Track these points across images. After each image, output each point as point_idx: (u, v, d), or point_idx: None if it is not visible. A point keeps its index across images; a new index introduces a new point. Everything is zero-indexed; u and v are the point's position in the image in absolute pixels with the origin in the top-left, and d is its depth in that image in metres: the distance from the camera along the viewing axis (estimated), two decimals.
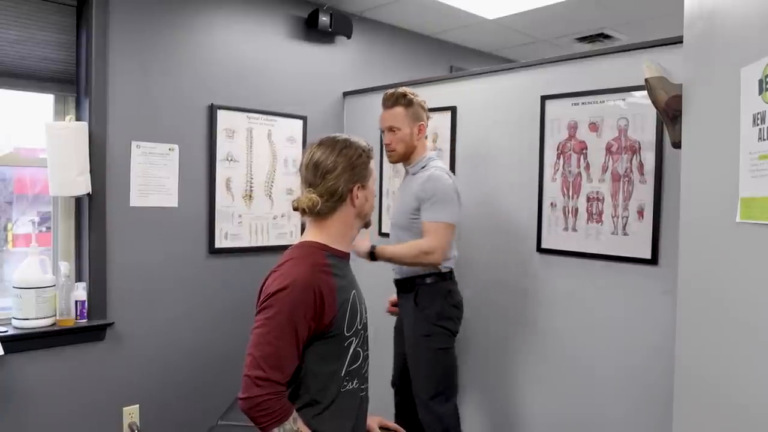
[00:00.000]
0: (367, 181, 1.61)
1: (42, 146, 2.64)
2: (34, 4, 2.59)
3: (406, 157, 2.58)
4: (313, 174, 1.57)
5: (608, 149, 2.36)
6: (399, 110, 2.53)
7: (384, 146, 2.61)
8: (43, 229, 2.81)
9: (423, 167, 2.53)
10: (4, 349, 2.40)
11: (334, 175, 1.55)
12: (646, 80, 1.72)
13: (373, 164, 1.65)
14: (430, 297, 2.47)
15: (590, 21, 3.80)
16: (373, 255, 2.42)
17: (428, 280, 2.48)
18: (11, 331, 2.49)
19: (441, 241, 2.37)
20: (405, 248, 2.43)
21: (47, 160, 2.58)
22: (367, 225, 1.70)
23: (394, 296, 2.69)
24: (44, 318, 2.56)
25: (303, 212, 1.56)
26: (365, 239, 2.42)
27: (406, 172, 2.64)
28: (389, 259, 2.45)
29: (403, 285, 2.57)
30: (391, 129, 2.54)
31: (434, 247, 2.35)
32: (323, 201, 1.55)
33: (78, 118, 2.73)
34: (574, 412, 2.45)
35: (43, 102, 2.75)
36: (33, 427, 2.55)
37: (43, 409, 2.57)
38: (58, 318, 2.61)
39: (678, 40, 1.79)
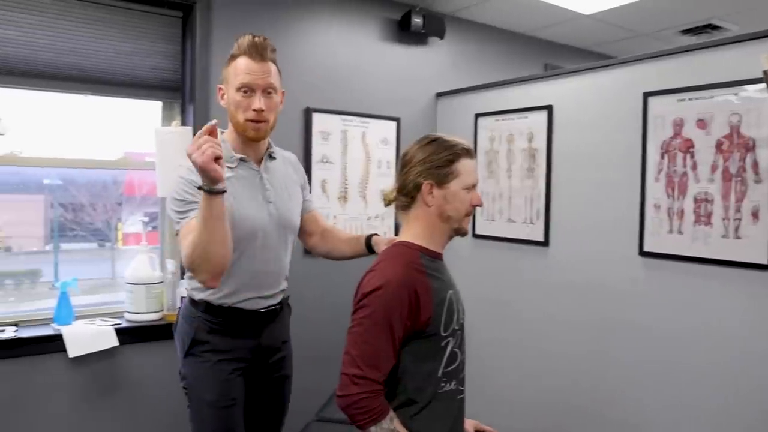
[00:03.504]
0: (447, 180, 1.53)
1: (147, 150, 2.81)
2: (144, 18, 2.76)
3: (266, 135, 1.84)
4: (400, 166, 1.61)
5: (718, 147, 2.23)
6: (273, 67, 1.77)
7: (250, 114, 1.74)
8: (149, 228, 2.98)
9: (275, 147, 2.00)
10: (119, 340, 2.57)
11: (407, 169, 1.57)
12: (764, 72, 1.61)
13: (468, 166, 1.56)
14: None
15: (696, 11, 3.59)
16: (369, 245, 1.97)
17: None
18: (124, 324, 2.67)
19: None
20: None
21: (155, 163, 2.72)
22: (460, 232, 1.61)
23: None
24: (153, 312, 2.72)
25: (387, 204, 1.63)
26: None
27: (267, 158, 1.93)
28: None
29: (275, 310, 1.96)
30: (267, 91, 1.75)
31: None
32: (397, 194, 1.59)
33: (183, 123, 2.88)
34: (681, 425, 2.33)
35: (152, 109, 2.93)
36: (143, 415, 2.71)
37: (153, 399, 2.73)
38: (165, 312, 2.76)
39: None
